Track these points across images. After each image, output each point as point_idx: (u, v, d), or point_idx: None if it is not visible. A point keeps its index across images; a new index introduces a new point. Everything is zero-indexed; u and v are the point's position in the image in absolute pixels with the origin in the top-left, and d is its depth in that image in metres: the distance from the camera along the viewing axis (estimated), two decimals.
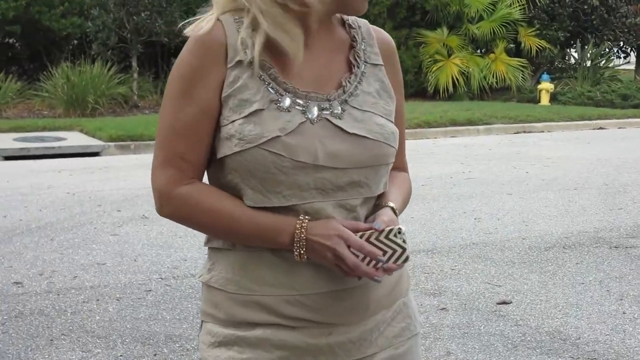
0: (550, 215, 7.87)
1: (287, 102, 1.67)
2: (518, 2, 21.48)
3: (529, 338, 4.63)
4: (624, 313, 5.07)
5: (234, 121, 1.66)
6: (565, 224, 7.52)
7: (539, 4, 22.02)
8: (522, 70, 21.29)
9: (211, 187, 1.74)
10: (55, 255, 6.30)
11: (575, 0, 22.77)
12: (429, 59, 20.72)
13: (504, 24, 21.23)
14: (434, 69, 20.52)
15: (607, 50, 24.35)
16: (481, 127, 15.86)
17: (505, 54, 21.34)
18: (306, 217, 1.67)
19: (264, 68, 1.68)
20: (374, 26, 1.91)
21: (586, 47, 23.32)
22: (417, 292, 5.37)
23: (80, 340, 4.56)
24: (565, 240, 6.92)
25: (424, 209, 8.07)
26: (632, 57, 27.97)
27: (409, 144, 13.32)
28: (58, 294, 5.38)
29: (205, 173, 1.77)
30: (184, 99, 1.69)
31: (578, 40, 23.63)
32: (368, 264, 1.66)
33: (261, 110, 1.65)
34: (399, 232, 1.66)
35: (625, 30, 24.20)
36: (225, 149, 1.67)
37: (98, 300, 5.28)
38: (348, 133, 1.69)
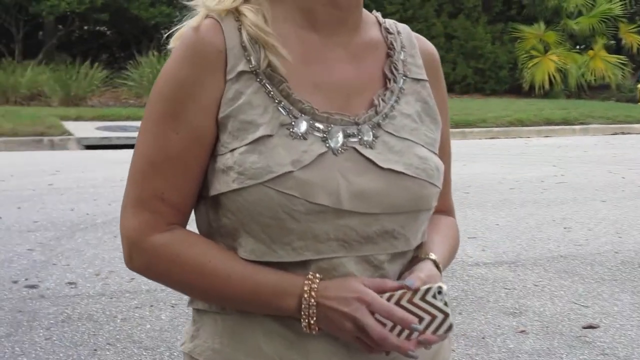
0: None
1: (303, 126, 1.31)
2: None
3: None
4: None
5: (233, 150, 1.30)
6: None
7: None
8: (622, 68, 20.52)
9: (196, 236, 1.38)
10: (116, 254, 5.98)
11: None
12: (525, 55, 20.18)
13: (603, 19, 20.51)
14: (530, 65, 19.98)
15: None
16: (577, 127, 15.23)
17: (604, 51, 20.58)
18: (317, 275, 1.31)
19: (273, 81, 1.32)
20: (417, 34, 1.54)
21: None
22: (495, 311, 4.94)
23: (125, 352, 4.27)
24: None
25: (510, 215, 7.59)
26: None
27: (500, 143, 13.31)
28: (111, 298, 5.12)
29: (193, 212, 1.41)
30: (169, 123, 1.33)
31: None
32: (399, 334, 1.29)
33: (269, 136, 1.29)
34: (439, 292, 1.30)
35: None
36: (220, 185, 1.31)
37: (152, 306, 4.98)
38: (381, 168, 1.33)
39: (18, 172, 9.47)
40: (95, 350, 4.26)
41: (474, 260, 6.00)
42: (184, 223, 1.38)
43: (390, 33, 1.47)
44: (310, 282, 1.29)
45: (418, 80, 1.45)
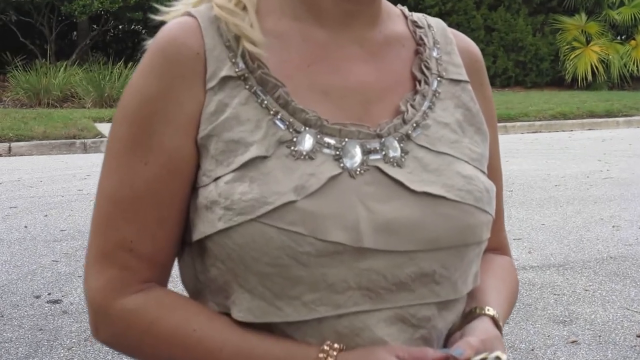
0: None
1: (308, 142, 1.03)
2: None
3: None
4: None
5: (217, 179, 1.03)
6: None
7: None
8: None
9: (177, 297, 1.09)
10: None
11: None
12: (566, 47, 19.80)
13: None
14: (572, 56, 19.62)
15: None
16: (621, 119, 14.85)
17: None
18: (334, 345, 1.02)
19: (267, 87, 1.06)
20: (454, 29, 1.27)
21: None
22: (544, 319, 4.67)
23: None
24: None
25: (556, 213, 7.29)
26: None
27: (543, 137, 13.02)
28: None
29: (177, 264, 1.15)
30: (136, 151, 1.06)
31: None
32: None
33: (263, 158, 1.02)
34: None
35: None
36: (204, 226, 1.03)
37: None
38: (413, 192, 1.04)
39: (47, 177, 9.31)
40: None
41: (521, 263, 5.72)
42: (162, 279, 1.11)
43: (419, 27, 1.22)
44: (325, 354, 1.01)
45: (457, 81, 1.19)
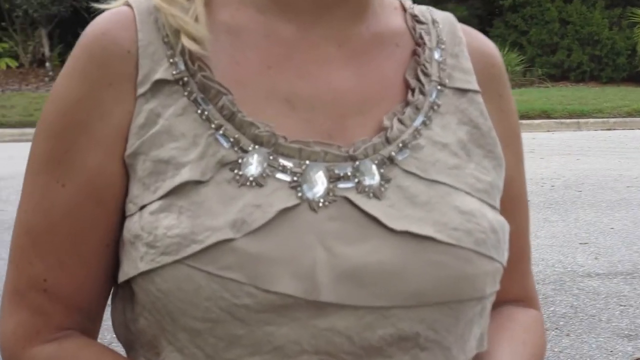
0: None
1: (256, 164, 0.83)
2: None
3: None
4: None
5: (143, 207, 0.84)
6: None
7: None
8: None
9: (99, 350, 0.90)
10: None
11: None
12: None
13: None
14: None
15: None
16: None
17: None
18: None
19: (208, 94, 0.86)
20: (469, 27, 1.04)
21: None
22: (608, 332, 4.40)
23: None
24: None
25: (626, 217, 6.97)
26: None
27: (617, 135, 12.65)
28: None
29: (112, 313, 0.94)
30: (52, 172, 0.87)
31: None
32: None
33: (197, 183, 0.82)
34: None
35: None
36: (127, 266, 0.85)
37: None
38: (392, 230, 0.83)
39: None
40: None
41: (586, 270, 5.45)
42: (85, 326, 0.92)
43: (420, 22, 0.99)
44: None
45: (464, 91, 0.96)
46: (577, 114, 13.72)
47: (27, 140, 10.86)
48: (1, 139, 11.62)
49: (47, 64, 16.66)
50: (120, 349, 0.95)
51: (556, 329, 4.43)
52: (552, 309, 4.73)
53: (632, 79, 19.32)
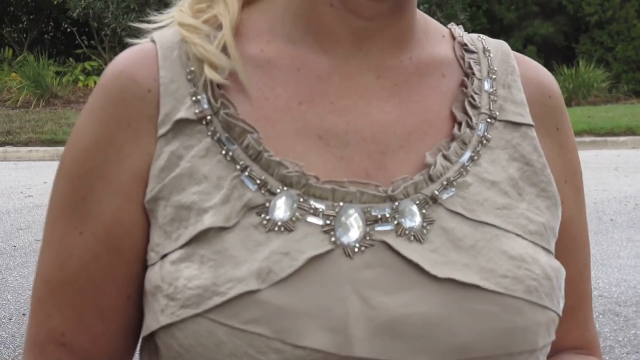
0: None
1: (285, 208, 0.77)
2: None
3: None
4: None
5: (165, 256, 0.78)
6: None
7: None
8: None
9: None
10: None
11: None
12: None
13: None
14: None
15: None
16: None
17: None
18: None
19: (233, 133, 0.80)
20: (524, 56, 0.96)
21: None
22: None
23: None
24: None
25: None
26: None
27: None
28: None
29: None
30: (70, 220, 0.82)
31: None
32: None
33: (221, 230, 0.76)
34: None
35: None
36: (150, 319, 0.80)
37: None
38: (435, 278, 0.76)
39: None
40: None
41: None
42: None
43: (470, 52, 0.92)
44: None
45: (516, 124, 0.89)
46: None
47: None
48: None
49: None
50: None
51: (637, 352, 4.15)
52: (633, 332, 4.43)
53: None
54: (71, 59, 17.54)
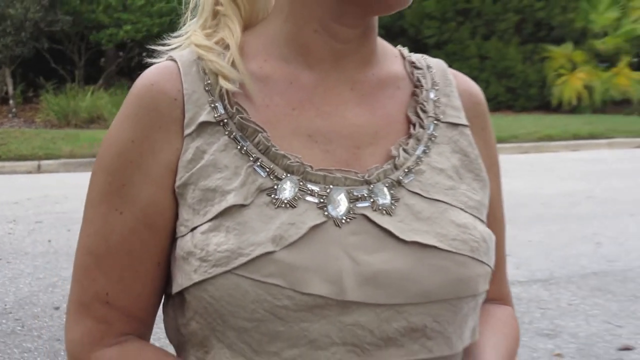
0: None
1: (290, 189, 0.90)
2: None
3: None
4: None
5: (194, 229, 0.90)
6: None
7: None
8: None
9: (155, 351, 0.96)
10: None
11: None
12: (554, 73, 19.65)
13: (628, 39, 19.87)
14: (558, 82, 19.45)
15: None
16: (603, 141, 14.66)
17: (628, 68, 19.90)
18: None
19: (246, 132, 0.93)
20: (456, 71, 1.12)
21: None
22: (531, 333, 4.54)
23: None
24: None
25: (543, 231, 7.14)
26: None
27: (531, 158, 12.81)
28: None
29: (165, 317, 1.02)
30: (111, 202, 0.94)
31: None
32: None
33: (241, 207, 0.88)
34: None
35: None
36: (181, 278, 0.91)
37: None
38: (403, 241, 0.90)
39: (72, 194, 9.15)
40: None
41: (509, 279, 5.59)
42: (142, 332, 0.99)
43: (417, 68, 1.07)
44: None
45: (455, 125, 1.04)
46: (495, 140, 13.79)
47: None
48: None
49: (11, 101, 16.34)
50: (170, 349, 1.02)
51: None
52: None
53: (543, 107, 19.71)
54: None
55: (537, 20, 19.82)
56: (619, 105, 19.89)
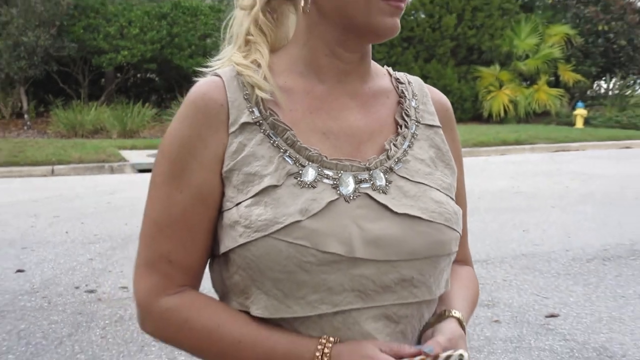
0: (589, 228, 6.92)
1: (311, 174, 1.00)
2: (558, 43, 20.39)
3: (577, 354, 3.84)
4: None
5: (239, 204, 0.99)
6: (603, 236, 6.58)
7: (575, 44, 20.88)
8: (560, 99, 20.23)
9: (205, 299, 1.05)
10: None
11: (605, 40, 21.53)
12: (484, 90, 19.91)
13: (546, 61, 20.19)
14: (488, 98, 19.73)
15: (632, 82, 22.78)
16: (527, 147, 14.84)
17: (546, 86, 20.26)
18: (330, 338, 0.99)
19: (277, 130, 1.02)
20: (429, 85, 1.22)
21: (614, 79, 22.01)
22: None
23: (167, 347, 3.92)
24: (604, 252, 6.01)
25: (478, 220, 7.25)
26: None
27: (467, 161, 12.56)
28: None
29: (210, 273, 1.11)
30: (173, 184, 1.02)
31: (608, 74, 22.30)
32: None
33: (275, 187, 0.98)
34: (461, 359, 0.98)
35: None
36: (228, 241, 1.00)
37: None
38: (396, 213, 1.00)
39: (83, 193, 9.13)
40: (142, 346, 3.94)
41: None
42: (195, 284, 1.07)
43: (401, 83, 1.17)
44: (323, 347, 0.98)
45: (431, 126, 1.14)
46: None
47: (13, 177, 10.64)
48: None
49: (25, 116, 16.18)
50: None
51: None
52: None
53: (476, 119, 19.93)
54: None
55: (470, 45, 20.08)
56: (540, 116, 20.23)
